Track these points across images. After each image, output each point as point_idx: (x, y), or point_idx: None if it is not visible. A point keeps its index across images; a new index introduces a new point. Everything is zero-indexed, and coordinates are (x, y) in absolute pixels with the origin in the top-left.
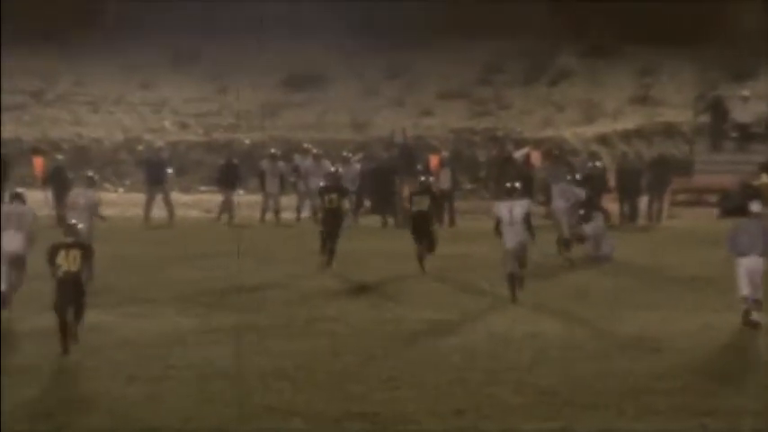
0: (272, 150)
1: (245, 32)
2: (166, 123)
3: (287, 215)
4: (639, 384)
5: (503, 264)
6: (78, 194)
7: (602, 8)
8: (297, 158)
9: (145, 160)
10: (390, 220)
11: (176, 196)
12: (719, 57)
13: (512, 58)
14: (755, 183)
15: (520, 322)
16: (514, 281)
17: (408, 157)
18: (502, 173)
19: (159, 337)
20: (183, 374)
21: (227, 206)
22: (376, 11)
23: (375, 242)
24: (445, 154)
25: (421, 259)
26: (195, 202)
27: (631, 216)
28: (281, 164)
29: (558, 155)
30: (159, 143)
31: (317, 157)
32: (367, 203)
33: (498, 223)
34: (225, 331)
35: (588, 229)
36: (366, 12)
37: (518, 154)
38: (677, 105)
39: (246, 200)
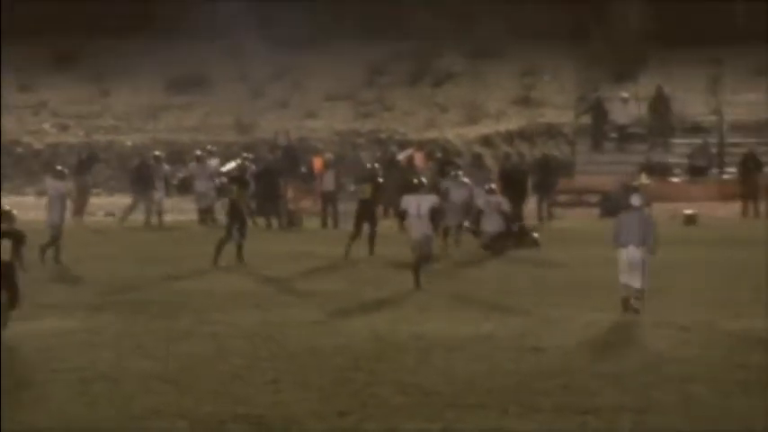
0: (156, 153)
1: (127, 33)
2: (46, 126)
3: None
4: (523, 384)
5: (412, 251)
6: (49, 186)
7: (486, 9)
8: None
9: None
10: (275, 222)
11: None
12: (600, 58)
13: (396, 60)
14: (635, 183)
15: (405, 323)
16: (418, 270)
17: (292, 159)
18: (386, 175)
19: (42, 339)
20: (66, 378)
21: (139, 207)
22: (262, 11)
23: (259, 244)
24: (329, 156)
25: (349, 245)
26: None
27: (518, 217)
28: (165, 167)
29: (440, 157)
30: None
31: (201, 159)
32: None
33: (404, 216)
34: (108, 334)
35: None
36: (251, 12)
37: (401, 155)
38: (559, 106)
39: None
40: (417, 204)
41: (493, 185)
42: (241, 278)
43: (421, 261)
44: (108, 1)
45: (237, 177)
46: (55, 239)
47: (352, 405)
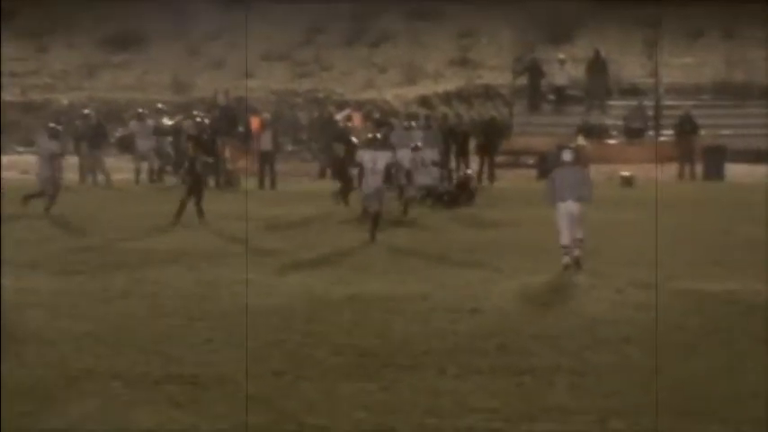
0: (86, 111)
1: None
2: None
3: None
4: (460, 344)
5: (362, 204)
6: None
7: None
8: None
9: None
10: (212, 182)
11: None
12: (537, 19)
13: (334, 20)
14: (572, 145)
15: (340, 284)
16: (375, 220)
17: (230, 118)
18: (323, 134)
19: None
20: None
21: (94, 167)
22: None
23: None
24: (267, 116)
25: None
26: (12, 164)
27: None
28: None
29: (378, 118)
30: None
31: (141, 117)
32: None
33: (361, 170)
34: (41, 294)
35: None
36: None
37: (339, 115)
38: (496, 68)
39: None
40: (373, 159)
41: (419, 143)
42: (178, 238)
43: (376, 215)
44: None
45: (194, 136)
46: (43, 193)
47: (287, 365)
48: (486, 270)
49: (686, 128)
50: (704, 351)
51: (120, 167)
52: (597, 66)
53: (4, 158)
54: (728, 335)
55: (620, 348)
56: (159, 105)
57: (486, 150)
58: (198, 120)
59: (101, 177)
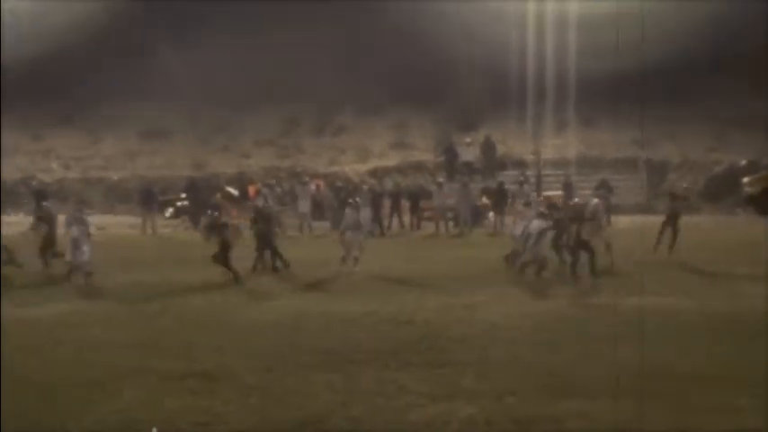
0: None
1: (109, 96)
2: (53, 165)
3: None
4: (399, 346)
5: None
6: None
7: (372, 78)
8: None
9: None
10: None
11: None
12: (452, 114)
13: (306, 115)
14: (478, 203)
15: (315, 303)
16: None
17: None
18: (301, 196)
19: (45, 320)
20: (65, 348)
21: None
22: (206, 80)
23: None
24: (260, 184)
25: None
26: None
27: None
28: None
29: (340, 185)
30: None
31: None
32: None
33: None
34: (97, 315)
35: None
36: (199, 80)
37: (311, 185)
38: (423, 149)
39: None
40: (356, 218)
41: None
42: (193, 274)
43: (356, 258)
44: (97, 71)
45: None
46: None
47: (276, 363)
48: (415, 293)
49: (569, 187)
50: (564, 346)
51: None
52: (488, 147)
53: None
54: (581, 335)
55: (511, 347)
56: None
57: (414, 207)
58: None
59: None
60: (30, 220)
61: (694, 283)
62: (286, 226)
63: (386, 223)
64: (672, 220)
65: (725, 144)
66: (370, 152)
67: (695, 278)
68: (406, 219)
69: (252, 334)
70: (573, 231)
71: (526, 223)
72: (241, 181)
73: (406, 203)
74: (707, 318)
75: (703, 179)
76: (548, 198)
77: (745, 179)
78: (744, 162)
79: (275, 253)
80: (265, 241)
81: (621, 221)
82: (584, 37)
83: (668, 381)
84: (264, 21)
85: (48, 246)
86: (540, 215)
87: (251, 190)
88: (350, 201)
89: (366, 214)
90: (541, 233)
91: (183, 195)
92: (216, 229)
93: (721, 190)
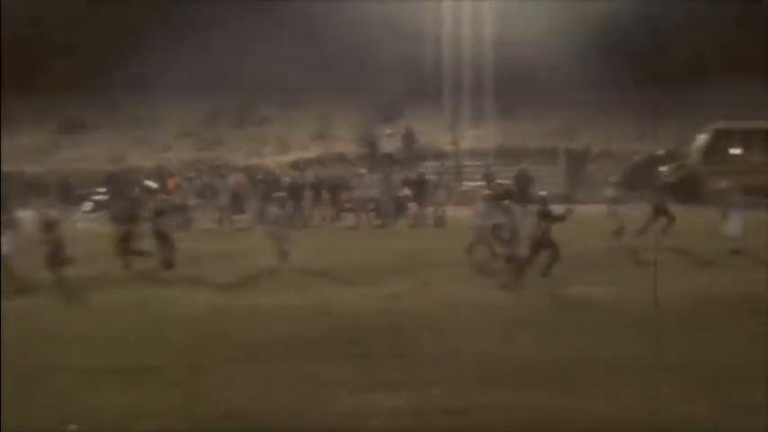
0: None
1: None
2: None
3: None
4: (319, 338)
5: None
6: None
7: (299, 68)
8: None
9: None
10: None
11: None
12: (374, 106)
13: (227, 108)
14: (400, 194)
15: (238, 297)
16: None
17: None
18: (221, 190)
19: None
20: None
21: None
22: (133, 68)
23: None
24: (179, 178)
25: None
26: None
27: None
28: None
29: (260, 178)
30: None
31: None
32: None
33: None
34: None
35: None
36: (123, 69)
37: (231, 179)
38: (346, 140)
39: None
40: (282, 212)
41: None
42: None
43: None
44: None
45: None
46: None
47: (198, 358)
48: (336, 287)
49: (490, 178)
50: (490, 335)
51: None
52: (409, 138)
53: None
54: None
55: (435, 337)
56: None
57: (335, 199)
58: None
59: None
60: None
61: (623, 273)
62: (203, 219)
63: (307, 215)
64: (661, 209)
65: (644, 134)
66: (291, 144)
67: (630, 268)
68: (328, 210)
69: (174, 328)
70: (542, 227)
71: (484, 213)
72: (160, 174)
73: (327, 195)
74: (630, 307)
75: (623, 169)
76: (499, 185)
77: (664, 168)
78: (662, 152)
79: (170, 248)
80: (164, 236)
81: None
82: (503, 28)
83: (591, 369)
84: (186, 10)
85: None
86: (498, 206)
87: (170, 183)
88: (275, 195)
89: (289, 207)
90: (514, 229)
91: (103, 189)
92: (131, 221)
93: (640, 179)
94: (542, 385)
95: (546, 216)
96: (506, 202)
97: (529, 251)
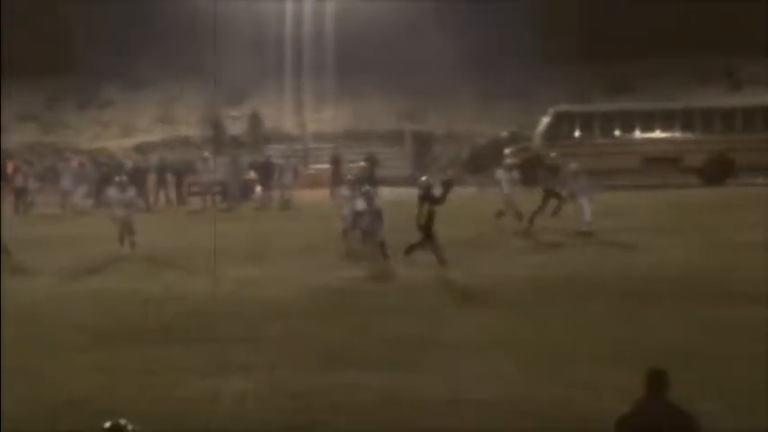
0: None
1: None
2: None
3: None
4: (167, 323)
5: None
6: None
7: (140, 47)
8: None
9: None
10: None
11: None
12: (220, 87)
13: (69, 90)
14: (247, 177)
15: (82, 283)
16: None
17: None
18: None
19: None
20: None
21: None
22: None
23: None
24: (19, 162)
25: None
26: None
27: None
28: None
29: (102, 161)
30: None
31: None
32: None
33: None
34: None
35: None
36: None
37: (74, 162)
38: (190, 123)
39: None
40: (123, 196)
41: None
42: None
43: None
44: None
45: None
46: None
47: (41, 345)
48: (185, 268)
49: (337, 161)
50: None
51: None
52: (255, 120)
53: None
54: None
55: (285, 322)
56: None
57: (180, 183)
58: None
59: None
60: None
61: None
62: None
63: (151, 199)
64: (551, 193)
65: (488, 116)
66: (135, 127)
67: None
68: (172, 194)
69: (15, 314)
70: (424, 211)
71: (354, 202)
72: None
73: (171, 179)
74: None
75: (467, 151)
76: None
77: (507, 150)
78: (505, 134)
79: None
80: None
81: (386, 193)
82: (347, 9)
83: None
84: None
85: None
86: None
87: (9, 166)
88: (116, 178)
89: (131, 191)
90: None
91: None
92: None
93: (485, 161)
94: (384, 367)
95: (428, 199)
96: (367, 187)
97: (421, 236)
